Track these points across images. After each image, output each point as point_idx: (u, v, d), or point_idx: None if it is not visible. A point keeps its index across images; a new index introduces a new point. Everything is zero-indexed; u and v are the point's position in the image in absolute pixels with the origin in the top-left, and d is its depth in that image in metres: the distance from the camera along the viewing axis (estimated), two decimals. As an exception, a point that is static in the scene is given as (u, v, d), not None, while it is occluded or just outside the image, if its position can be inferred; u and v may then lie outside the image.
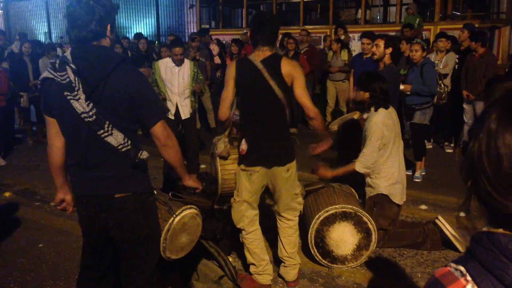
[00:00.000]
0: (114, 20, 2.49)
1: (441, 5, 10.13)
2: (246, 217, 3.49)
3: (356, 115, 5.19)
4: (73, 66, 2.29)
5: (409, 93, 6.15)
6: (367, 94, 4.27)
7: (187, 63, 6.03)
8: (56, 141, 2.47)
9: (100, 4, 2.37)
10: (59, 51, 10.25)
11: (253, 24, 3.33)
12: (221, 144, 3.60)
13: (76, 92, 2.27)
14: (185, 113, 6.03)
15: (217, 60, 10.11)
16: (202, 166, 6.66)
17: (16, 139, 8.67)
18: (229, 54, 9.90)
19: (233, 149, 3.64)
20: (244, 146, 3.35)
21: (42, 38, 29.33)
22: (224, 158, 3.64)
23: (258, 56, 3.25)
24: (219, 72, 9.93)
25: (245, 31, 10.51)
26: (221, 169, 3.66)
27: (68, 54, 2.35)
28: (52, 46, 9.88)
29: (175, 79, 5.90)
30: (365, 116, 4.39)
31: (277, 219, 3.64)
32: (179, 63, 5.90)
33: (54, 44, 10.69)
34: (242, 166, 3.39)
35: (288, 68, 3.22)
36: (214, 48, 10.15)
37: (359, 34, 8.71)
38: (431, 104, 6.24)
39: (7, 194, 6.01)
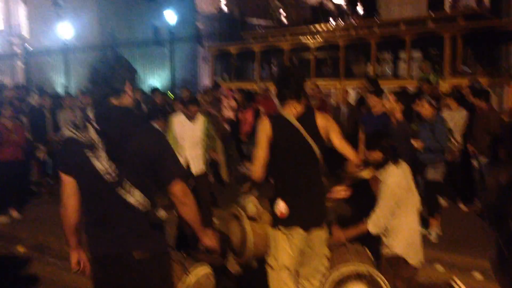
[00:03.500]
0: (134, 80, 2.60)
1: (451, 60, 10.31)
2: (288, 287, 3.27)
3: (366, 173, 5.18)
4: (95, 125, 2.38)
5: (421, 149, 6.17)
6: (379, 154, 4.26)
7: (200, 117, 6.12)
8: (71, 201, 2.49)
9: (121, 64, 2.50)
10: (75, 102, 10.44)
11: (279, 79, 3.37)
12: (251, 204, 3.44)
13: (97, 151, 2.34)
14: (196, 168, 6.03)
15: (228, 113, 10.29)
16: (215, 221, 6.64)
17: (31, 192, 8.76)
18: (240, 104, 10.06)
19: (263, 210, 3.49)
20: (283, 208, 3.22)
21: (60, 90, 30.13)
22: (254, 220, 3.47)
23: (291, 112, 3.23)
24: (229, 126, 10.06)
25: (261, 84, 10.75)
26: (251, 232, 3.46)
27: (90, 113, 2.43)
28: (70, 97, 10.15)
29: (187, 134, 5.96)
30: (378, 175, 4.38)
31: (299, 284, 3.39)
32: (193, 116, 6.00)
33: (72, 96, 10.98)
34: (281, 228, 3.24)
35: (323, 122, 3.24)
36: (230, 102, 10.35)
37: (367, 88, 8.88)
38: (443, 160, 6.26)
39: (20, 248, 6.02)
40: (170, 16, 23.41)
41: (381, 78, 10.95)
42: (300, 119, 3.22)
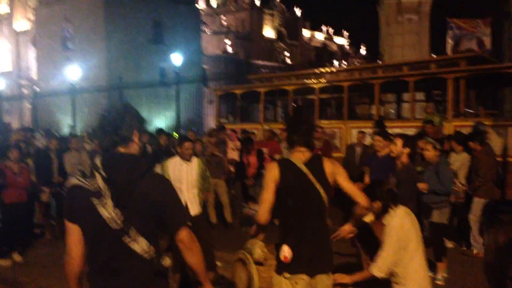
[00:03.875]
0: (143, 128, 2.65)
1: (454, 102, 10.41)
2: None
3: (367, 218, 5.16)
4: (102, 173, 2.40)
5: (426, 191, 6.16)
6: (379, 203, 4.29)
7: (195, 159, 6.18)
8: (76, 249, 2.48)
9: (129, 112, 2.55)
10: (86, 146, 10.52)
11: (288, 125, 3.44)
12: (257, 248, 3.45)
13: (104, 199, 2.35)
14: (194, 209, 6.02)
15: (233, 155, 10.34)
16: (218, 263, 6.57)
17: (34, 234, 8.72)
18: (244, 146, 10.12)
19: (269, 254, 3.50)
20: (287, 253, 3.20)
21: (66, 130, 30.44)
22: (261, 264, 3.49)
23: (299, 158, 3.28)
24: (233, 168, 10.09)
25: (265, 126, 10.87)
26: (257, 277, 3.47)
27: (98, 161, 2.46)
28: (76, 139, 10.25)
29: (183, 176, 5.99)
30: (382, 220, 4.37)
31: None
32: (188, 158, 6.05)
33: (79, 137, 11.10)
34: (286, 274, 3.21)
35: (330, 167, 3.27)
36: (235, 143, 10.42)
37: (373, 130, 8.94)
38: (448, 203, 6.24)
39: (21, 293, 5.96)
40: (177, 58, 23.88)
41: (385, 120, 11.02)
42: (307, 164, 3.26)
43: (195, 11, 39.68)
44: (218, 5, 54.10)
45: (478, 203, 7.05)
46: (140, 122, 2.63)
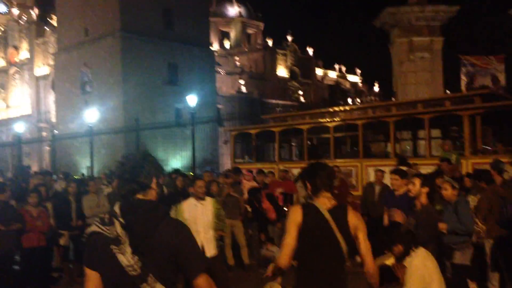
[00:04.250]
0: (160, 175, 2.70)
1: (471, 140, 10.33)
2: None
3: (388, 261, 5.09)
4: (121, 220, 2.43)
5: (445, 232, 6.05)
6: (399, 246, 4.26)
7: (209, 200, 6.20)
8: (95, 296, 2.51)
9: (148, 160, 2.61)
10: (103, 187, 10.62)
11: (309, 170, 3.46)
12: None
13: (122, 246, 2.38)
14: (210, 251, 6.00)
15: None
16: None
17: (52, 278, 8.70)
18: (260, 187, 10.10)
19: None
20: None
21: (84, 171, 30.80)
22: None
23: (324, 203, 3.29)
24: (250, 208, 10.04)
25: (283, 168, 10.89)
26: None
27: (117, 208, 2.50)
28: (94, 180, 10.37)
29: (199, 217, 6.00)
30: (404, 262, 4.31)
31: None
32: (201, 196, 6.07)
33: (96, 179, 11.24)
34: None
35: (354, 220, 3.26)
36: (251, 184, 10.42)
37: (390, 168, 8.88)
38: (470, 243, 6.10)
39: None
40: (192, 99, 24.25)
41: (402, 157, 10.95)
42: (331, 212, 3.26)
43: (209, 52, 40.54)
44: (231, 46, 55.25)
45: (487, 243, 6.88)
46: (159, 170, 2.69)
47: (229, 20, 56.22)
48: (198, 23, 38.65)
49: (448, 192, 6.16)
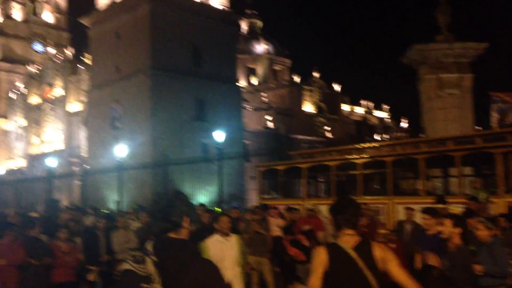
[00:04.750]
0: (192, 214, 2.72)
1: (504, 178, 10.07)
2: None
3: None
4: (153, 258, 2.46)
5: (481, 273, 5.84)
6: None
7: (234, 236, 6.17)
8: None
9: (180, 199, 2.64)
10: (129, 221, 10.70)
11: (334, 207, 3.42)
12: None
13: (154, 284, 2.39)
14: (237, 287, 5.99)
15: (276, 232, 10.22)
16: None
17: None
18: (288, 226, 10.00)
19: None
20: None
21: (113, 206, 31.14)
22: None
23: (347, 242, 3.24)
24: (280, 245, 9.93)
25: (310, 206, 10.79)
26: None
27: (149, 246, 2.54)
28: (123, 215, 10.48)
29: (225, 254, 5.96)
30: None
31: None
32: (226, 232, 6.05)
33: (125, 214, 11.36)
34: None
35: (381, 253, 3.21)
36: (277, 221, 10.34)
37: (421, 206, 8.69)
38: (506, 286, 5.86)
39: None
40: (219, 135, 24.50)
41: (432, 195, 10.73)
42: (356, 249, 3.21)
43: (236, 89, 41.13)
44: (258, 82, 55.99)
45: None
46: (190, 209, 2.72)
47: (256, 57, 57.20)
48: (226, 60, 39.44)
49: (482, 232, 5.98)
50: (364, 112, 62.73)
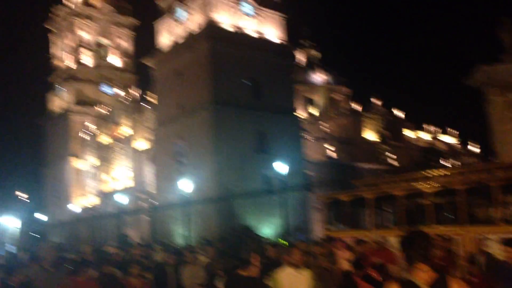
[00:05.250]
0: (261, 251, 2.75)
1: None
2: None
3: None
4: None
5: None
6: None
7: (305, 270, 6.08)
8: None
9: (249, 236, 2.68)
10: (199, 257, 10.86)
11: (405, 240, 3.33)
12: None
13: None
14: None
15: (344, 266, 9.97)
16: None
17: None
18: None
19: None
20: None
21: (180, 240, 31.77)
22: None
23: (422, 278, 3.14)
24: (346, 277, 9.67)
25: (378, 236, 10.50)
26: None
27: (220, 284, 2.60)
28: (191, 250, 10.65)
29: (298, 287, 5.89)
30: None
31: None
32: (298, 265, 5.98)
33: (193, 248, 11.58)
34: None
35: None
36: (344, 254, 10.11)
37: (498, 236, 8.21)
38: None
39: None
40: (281, 167, 24.54)
41: (510, 224, 10.11)
42: (432, 286, 3.08)
43: (296, 120, 41.25)
44: (318, 112, 55.89)
45: None
46: (259, 245, 2.75)
47: (315, 87, 57.30)
48: (284, 91, 39.82)
49: None
50: (430, 138, 60.70)
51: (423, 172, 14.52)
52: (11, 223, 52.57)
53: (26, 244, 43.64)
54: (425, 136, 60.65)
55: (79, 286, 7.31)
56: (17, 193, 68.95)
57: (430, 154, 54.89)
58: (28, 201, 66.42)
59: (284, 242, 16.72)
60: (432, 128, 61.91)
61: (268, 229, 32.86)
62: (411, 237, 3.30)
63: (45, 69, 61.10)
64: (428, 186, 12.43)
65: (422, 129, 60.80)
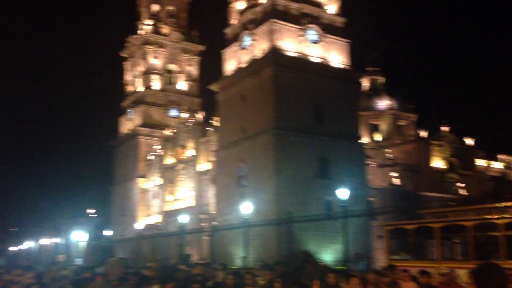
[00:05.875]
0: (323, 278, 2.71)
1: None
2: None
3: None
4: None
5: None
6: None
7: None
8: None
9: (310, 262, 2.66)
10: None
11: (477, 275, 3.19)
12: None
13: None
14: None
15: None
16: None
17: None
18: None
19: None
20: None
21: (238, 262, 31.84)
22: None
23: None
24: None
25: (446, 270, 10.02)
26: None
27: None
28: (250, 272, 10.62)
29: None
30: None
31: None
32: None
33: (252, 269, 11.54)
34: None
35: None
36: (409, 285, 9.71)
37: None
38: None
39: None
40: (343, 193, 24.13)
41: None
42: None
43: (359, 146, 40.62)
44: (382, 138, 54.70)
45: None
46: (322, 273, 2.72)
47: (379, 113, 56.25)
48: (348, 117, 39.45)
49: None
50: (503, 167, 57.51)
51: (495, 203, 13.74)
52: (80, 237, 55.18)
53: (92, 258, 45.48)
54: (498, 165, 57.55)
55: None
56: (88, 210, 72.45)
57: (503, 184, 51.88)
58: (96, 216, 69.54)
59: (344, 268, 16.30)
60: (505, 157, 58.67)
61: (327, 254, 32.25)
62: (485, 272, 3.12)
63: (119, 94, 64.59)
64: (501, 218, 11.73)
65: (494, 158, 57.79)
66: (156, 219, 52.25)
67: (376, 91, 58.38)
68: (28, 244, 73.50)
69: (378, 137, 55.23)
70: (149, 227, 52.17)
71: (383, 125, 55.98)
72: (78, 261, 44.51)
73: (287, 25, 38.51)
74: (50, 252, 61.91)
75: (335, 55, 40.47)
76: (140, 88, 60.63)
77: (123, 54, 64.07)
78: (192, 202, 46.82)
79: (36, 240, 69.20)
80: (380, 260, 29.75)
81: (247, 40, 40.54)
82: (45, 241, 66.03)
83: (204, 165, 46.46)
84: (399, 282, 9.94)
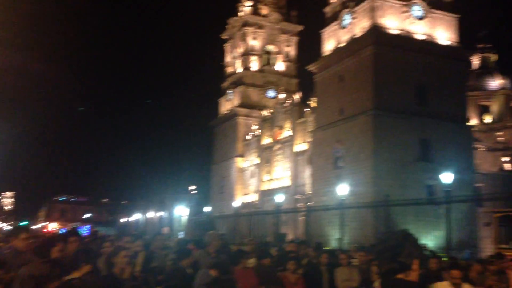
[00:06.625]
0: (422, 257, 2.61)
1: None
2: None
3: None
4: None
5: None
6: None
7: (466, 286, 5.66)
8: None
9: (409, 240, 2.56)
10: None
11: None
12: None
13: None
14: None
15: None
16: None
17: None
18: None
19: None
20: None
21: (333, 243, 31.75)
22: None
23: None
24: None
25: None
26: None
27: (377, 285, 2.52)
28: (346, 255, 10.54)
29: None
30: None
31: None
32: (457, 283, 5.63)
33: (347, 252, 11.43)
34: None
35: None
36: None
37: None
38: None
39: None
40: (447, 177, 22.89)
41: None
42: None
43: (465, 128, 38.13)
44: (493, 120, 50.80)
45: None
46: (420, 252, 2.61)
47: (491, 94, 52.16)
48: (453, 98, 37.15)
49: None
50: None
51: None
52: (182, 212, 58.40)
53: (193, 232, 47.98)
54: None
55: (236, 274, 7.78)
56: (189, 187, 76.31)
57: None
58: (197, 193, 73.01)
59: (445, 256, 15.53)
60: None
61: (428, 241, 30.94)
62: None
63: (220, 76, 66.64)
64: None
65: None
66: (253, 197, 53.58)
67: (487, 70, 54.03)
68: (136, 216, 79.63)
69: (488, 119, 51.31)
70: (246, 205, 53.70)
71: (494, 106, 51.80)
72: (180, 234, 47.22)
73: (390, 1, 36.91)
74: (155, 224, 66.37)
75: (442, 32, 38.09)
76: (239, 69, 61.94)
77: (224, 36, 65.72)
78: (288, 182, 47.30)
79: (143, 213, 74.66)
80: (487, 249, 27.92)
81: (346, 19, 39.55)
82: (151, 214, 70.89)
83: (300, 145, 46.56)
84: (508, 272, 9.28)
